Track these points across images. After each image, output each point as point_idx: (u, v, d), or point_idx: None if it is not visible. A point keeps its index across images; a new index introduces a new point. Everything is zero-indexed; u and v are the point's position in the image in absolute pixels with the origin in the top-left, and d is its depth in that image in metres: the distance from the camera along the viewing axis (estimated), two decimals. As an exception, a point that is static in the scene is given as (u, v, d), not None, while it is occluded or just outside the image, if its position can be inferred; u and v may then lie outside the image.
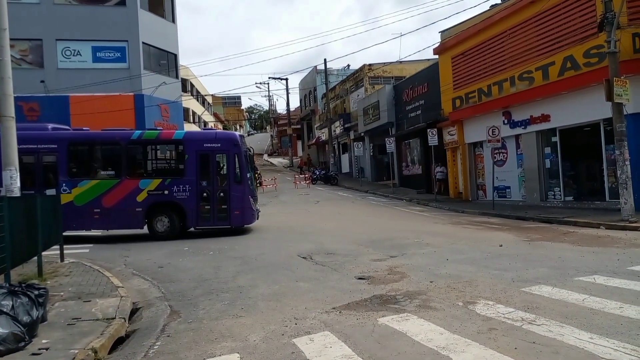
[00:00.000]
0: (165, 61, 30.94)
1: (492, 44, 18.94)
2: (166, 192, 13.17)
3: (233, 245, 11.69)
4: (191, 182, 13.18)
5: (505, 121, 18.25)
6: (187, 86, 44.12)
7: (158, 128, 15.51)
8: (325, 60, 39.29)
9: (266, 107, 55.62)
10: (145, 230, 13.56)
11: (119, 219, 13.15)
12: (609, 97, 12.27)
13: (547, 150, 17.06)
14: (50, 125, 14.28)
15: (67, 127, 15.45)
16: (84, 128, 14.73)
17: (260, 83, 46.31)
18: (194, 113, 46.35)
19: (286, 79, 39.10)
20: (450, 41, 21.78)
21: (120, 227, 13.61)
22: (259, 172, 15.94)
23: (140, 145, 13.82)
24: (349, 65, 48.01)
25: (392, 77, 36.34)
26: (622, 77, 12.50)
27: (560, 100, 15.85)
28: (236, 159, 13.39)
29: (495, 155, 18.48)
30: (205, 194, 13.30)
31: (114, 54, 27.77)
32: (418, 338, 4.56)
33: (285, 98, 38.66)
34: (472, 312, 5.34)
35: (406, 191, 26.33)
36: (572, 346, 4.13)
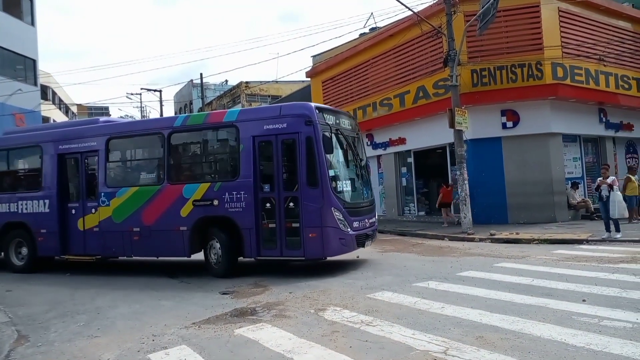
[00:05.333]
0: (22, 66, 28.39)
1: (358, 72, 20.49)
2: (216, 202, 9.10)
3: (92, 266, 11.19)
4: (247, 186, 8.91)
5: (369, 143, 19.82)
6: (48, 94, 40.71)
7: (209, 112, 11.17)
8: (201, 74, 38.81)
9: (137, 119, 53.30)
10: (194, 258, 9.78)
11: (161, 242, 9.58)
12: (452, 124, 14.05)
13: (404, 170, 18.89)
14: (101, 119, 11.56)
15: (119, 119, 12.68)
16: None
17: (132, 94, 44.18)
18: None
19: (160, 91, 37.86)
20: (321, 66, 23.10)
21: (163, 254, 10.00)
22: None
23: (184, 135, 10.06)
24: (226, 81, 48.23)
25: (269, 96, 37.26)
26: (462, 107, 14.41)
27: (415, 125, 17.68)
28: (306, 147, 8.59)
29: (360, 173, 19.93)
30: (268, 205, 8.85)
31: (-42, 55, 24.88)
32: (268, 344, 4.97)
33: (159, 110, 37.43)
34: (321, 317, 5.90)
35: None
36: (396, 341, 4.84)
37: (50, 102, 40.90)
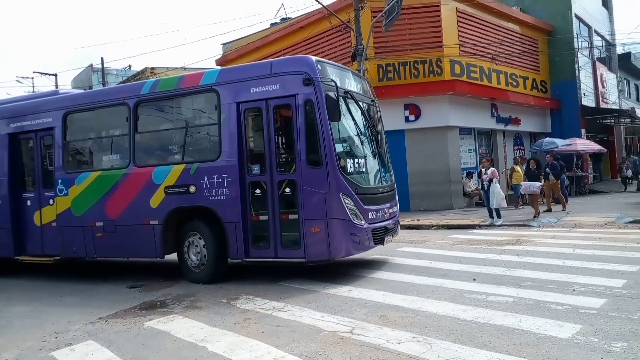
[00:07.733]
0: None
1: (269, 61, 20.46)
2: (192, 188, 7.32)
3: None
4: (231, 167, 7.09)
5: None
6: None
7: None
8: (102, 58, 36.58)
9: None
10: (170, 259, 8.12)
11: (128, 240, 7.94)
12: (359, 116, 14.57)
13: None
14: (62, 90, 9.61)
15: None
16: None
17: (23, 77, 40.43)
18: None
19: (55, 75, 35.08)
20: (232, 54, 22.82)
21: (132, 254, 8.47)
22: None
23: (153, 105, 8.12)
24: (130, 66, 45.75)
25: (177, 83, 35.88)
26: (369, 101, 14.99)
27: (325, 117, 18.07)
28: (305, 113, 6.77)
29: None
30: (258, 192, 7.08)
31: None
32: (180, 335, 4.99)
33: (54, 96, 34.63)
34: (233, 306, 6.00)
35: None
36: (306, 324, 5.08)
37: None
